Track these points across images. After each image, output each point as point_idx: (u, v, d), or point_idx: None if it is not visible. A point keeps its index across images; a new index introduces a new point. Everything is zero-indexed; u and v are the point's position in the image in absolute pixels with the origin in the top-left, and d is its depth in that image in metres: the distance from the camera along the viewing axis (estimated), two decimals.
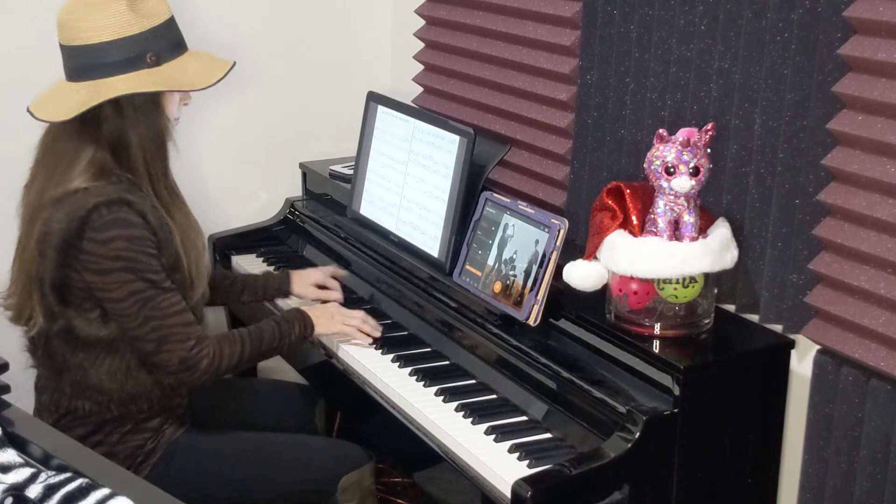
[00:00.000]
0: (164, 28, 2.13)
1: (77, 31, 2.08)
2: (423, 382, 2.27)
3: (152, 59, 2.10)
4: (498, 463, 1.97)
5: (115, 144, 2.11)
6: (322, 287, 2.65)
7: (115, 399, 2.18)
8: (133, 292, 2.07)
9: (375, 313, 2.59)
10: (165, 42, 2.13)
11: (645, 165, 2.04)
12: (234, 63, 2.23)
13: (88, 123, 2.10)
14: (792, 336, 2.05)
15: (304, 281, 2.65)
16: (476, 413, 2.13)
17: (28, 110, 2.12)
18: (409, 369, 2.32)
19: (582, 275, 2.11)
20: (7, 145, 2.24)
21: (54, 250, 2.06)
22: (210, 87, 2.17)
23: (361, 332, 2.41)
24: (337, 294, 2.63)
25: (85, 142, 2.10)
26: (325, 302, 2.57)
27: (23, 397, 2.05)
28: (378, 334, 2.43)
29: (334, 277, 2.68)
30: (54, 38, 2.15)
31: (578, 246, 2.29)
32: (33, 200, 2.15)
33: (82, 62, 2.09)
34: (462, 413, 2.15)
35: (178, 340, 2.11)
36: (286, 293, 2.65)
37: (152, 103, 2.13)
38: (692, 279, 2.01)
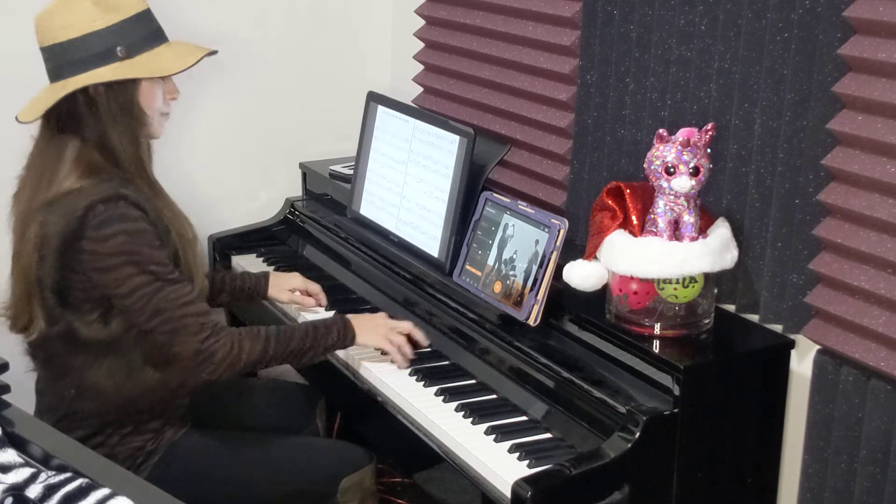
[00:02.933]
0: (136, 21, 2.12)
1: (48, 31, 2.09)
2: (423, 382, 2.27)
3: (122, 52, 2.09)
4: (498, 463, 1.97)
5: (98, 142, 2.10)
6: (302, 294, 2.64)
7: (116, 401, 2.17)
8: (138, 286, 2.05)
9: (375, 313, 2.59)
10: (137, 35, 2.12)
11: (645, 165, 2.04)
12: (216, 51, 2.22)
13: (67, 123, 2.10)
14: (792, 336, 2.05)
15: (282, 285, 2.63)
16: (476, 413, 2.13)
17: (16, 118, 2.12)
18: (409, 369, 2.32)
19: (582, 275, 2.11)
20: (6, 148, 2.23)
21: (54, 253, 2.05)
22: (179, 72, 2.15)
23: (403, 351, 2.33)
24: (311, 301, 2.62)
25: (67, 141, 2.10)
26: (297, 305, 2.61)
27: (23, 397, 2.04)
28: (407, 359, 2.34)
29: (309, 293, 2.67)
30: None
31: (578, 246, 2.30)
32: (24, 207, 2.14)
33: (55, 62, 2.10)
34: (462, 413, 2.15)
35: (190, 332, 2.08)
36: (263, 295, 2.64)
37: (126, 97, 2.11)
38: (692, 279, 2.01)
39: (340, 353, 2.41)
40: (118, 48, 2.09)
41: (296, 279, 2.66)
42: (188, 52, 2.19)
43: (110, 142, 2.11)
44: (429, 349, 2.41)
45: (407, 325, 2.37)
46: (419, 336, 2.37)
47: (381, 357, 2.37)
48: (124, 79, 2.09)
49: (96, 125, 2.10)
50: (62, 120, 2.09)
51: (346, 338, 2.28)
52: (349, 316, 2.33)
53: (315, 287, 2.65)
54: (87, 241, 2.03)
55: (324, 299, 2.65)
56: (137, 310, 2.07)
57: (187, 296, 2.10)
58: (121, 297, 2.07)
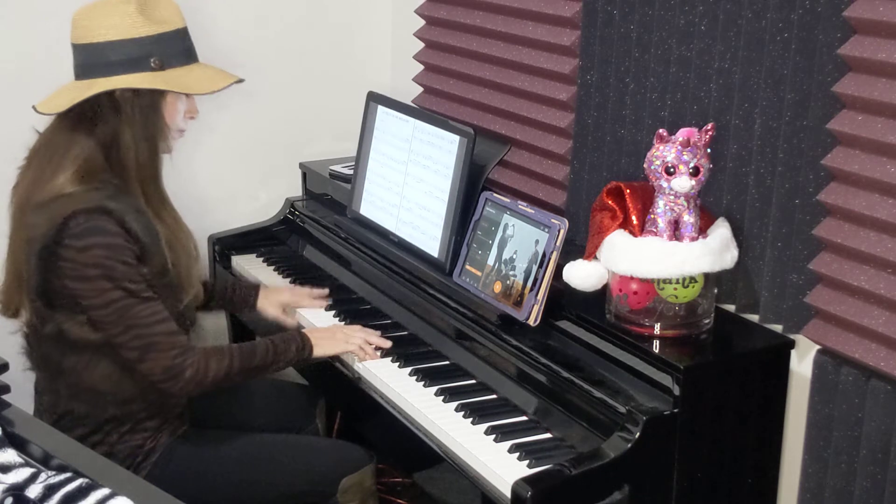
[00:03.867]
0: (173, 36, 2.14)
1: (86, 29, 2.10)
2: (423, 382, 2.27)
3: (156, 63, 2.11)
4: (498, 463, 1.97)
5: (108, 143, 2.11)
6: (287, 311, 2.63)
7: (110, 401, 2.18)
8: (112, 300, 2.07)
9: (375, 313, 2.59)
10: (172, 49, 2.14)
11: (645, 165, 2.04)
12: (242, 79, 2.24)
13: (85, 119, 2.11)
14: (792, 336, 2.05)
15: (271, 299, 2.63)
16: (476, 413, 2.13)
17: (33, 108, 2.13)
18: (409, 369, 2.32)
19: (582, 275, 2.11)
20: (6, 146, 2.24)
21: (36, 257, 2.07)
22: (209, 94, 2.17)
23: (365, 348, 2.37)
24: (293, 322, 2.59)
25: (79, 137, 2.11)
26: (281, 324, 2.59)
27: (23, 397, 2.05)
28: (387, 344, 2.40)
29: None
30: (56, 40, 2.16)
31: (578, 246, 2.29)
32: (22, 197, 2.16)
33: (87, 60, 2.11)
34: (462, 413, 2.15)
35: (161, 349, 2.10)
36: (252, 307, 2.63)
37: (151, 107, 2.13)
38: (692, 279, 2.01)
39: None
40: (152, 58, 2.11)
41: (283, 294, 2.65)
42: (218, 75, 2.22)
43: (122, 143, 2.11)
44: (429, 349, 2.42)
45: (362, 333, 2.39)
46: (377, 341, 2.39)
47: (380, 355, 2.37)
48: (152, 88, 2.11)
49: (113, 127, 2.11)
50: (80, 117, 2.10)
51: (305, 351, 2.32)
52: (305, 330, 2.38)
53: (306, 299, 2.64)
54: (64, 248, 2.05)
55: (321, 293, 2.65)
56: (111, 322, 2.09)
57: (159, 314, 2.11)
58: (95, 307, 2.08)
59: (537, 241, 2.20)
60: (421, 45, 2.98)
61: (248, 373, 2.25)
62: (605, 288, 2.11)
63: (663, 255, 1.99)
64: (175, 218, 2.23)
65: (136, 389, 2.18)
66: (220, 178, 3.14)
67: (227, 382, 2.22)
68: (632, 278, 2.04)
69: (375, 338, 2.40)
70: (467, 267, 2.37)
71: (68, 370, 2.16)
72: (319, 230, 2.97)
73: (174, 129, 2.20)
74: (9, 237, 2.20)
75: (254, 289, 2.65)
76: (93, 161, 2.10)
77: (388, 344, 2.40)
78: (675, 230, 2.03)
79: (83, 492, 1.57)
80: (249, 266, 2.94)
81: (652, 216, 2.04)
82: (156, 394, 2.20)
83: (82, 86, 2.10)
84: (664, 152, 2.00)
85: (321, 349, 2.35)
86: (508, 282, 2.24)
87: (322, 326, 2.48)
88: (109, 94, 2.09)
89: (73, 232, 2.04)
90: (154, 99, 2.13)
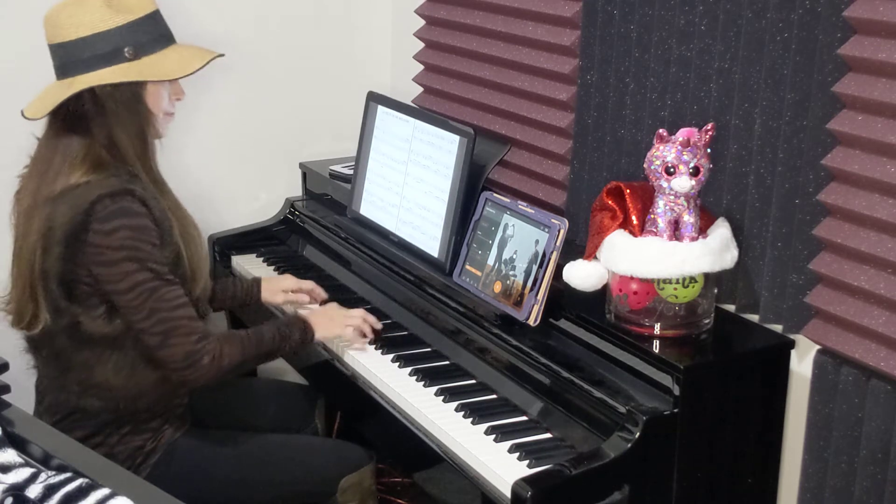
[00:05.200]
0: (144, 22, 2.13)
1: (57, 28, 2.10)
2: (423, 382, 2.27)
3: (130, 53, 2.10)
4: (498, 463, 1.97)
5: (106, 140, 2.11)
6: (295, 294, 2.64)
7: (121, 396, 2.18)
8: (138, 283, 2.07)
9: (375, 313, 2.59)
10: (145, 36, 2.12)
11: (645, 165, 2.04)
12: (222, 54, 2.22)
13: (75, 121, 2.10)
14: (792, 336, 2.05)
15: (274, 288, 2.64)
16: (476, 413, 2.13)
17: (21, 112, 2.13)
18: (409, 369, 2.32)
19: (582, 275, 2.11)
20: (6, 146, 2.24)
21: (60, 244, 2.06)
22: (185, 76, 2.16)
23: (362, 331, 2.40)
24: (306, 298, 2.62)
25: (75, 138, 2.11)
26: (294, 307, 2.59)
27: (23, 397, 2.04)
28: (379, 326, 2.44)
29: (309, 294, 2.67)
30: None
31: (578, 246, 2.30)
32: (28, 200, 2.15)
33: (63, 59, 2.11)
34: (462, 413, 2.15)
35: (183, 334, 2.10)
36: (256, 301, 2.64)
37: (134, 98, 2.12)
38: (692, 279, 2.01)
39: (340, 353, 2.42)
40: (126, 49, 2.10)
41: (287, 280, 2.66)
42: (194, 55, 2.19)
43: (118, 140, 2.12)
44: (429, 349, 2.42)
45: (359, 312, 2.42)
46: (372, 320, 2.43)
47: (380, 355, 2.38)
48: (129, 81, 2.10)
49: (104, 124, 2.11)
50: (70, 118, 2.10)
51: (307, 334, 2.34)
52: (305, 313, 2.39)
53: (308, 284, 2.65)
54: (91, 233, 2.04)
55: (321, 293, 2.65)
56: (135, 307, 2.08)
57: (181, 298, 2.12)
58: (120, 292, 2.08)
59: (537, 241, 2.20)
60: (421, 45, 2.98)
61: (257, 359, 2.26)
62: (605, 288, 2.11)
63: (663, 255, 1.99)
64: (177, 205, 2.23)
65: (147, 384, 2.18)
66: (221, 178, 3.14)
67: (239, 370, 2.23)
68: (632, 278, 2.04)
69: (372, 319, 2.43)
70: (467, 267, 2.37)
71: (79, 365, 2.16)
72: (319, 230, 2.97)
73: (162, 114, 2.19)
74: (16, 244, 2.18)
75: (255, 283, 2.65)
76: (98, 155, 2.11)
77: (378, 326, 2.44)
78: (675, 230, 2.03)
79: (83, 492, 1.57)
80: (249, 266, 2.94)
81: (652, 216, 2.04)
82: (166, 388, 2.20)
83: (62, 86, 2.10)
84: (664, 152, 2.00)
85: (322, 332, 2.36)
86: (508, 282, 2.24)
87: (320, 309, 2.50)
88: (91, 92, 2.08)
89: (99, 216, 2.04)
90: (134, 90, 2.12)
